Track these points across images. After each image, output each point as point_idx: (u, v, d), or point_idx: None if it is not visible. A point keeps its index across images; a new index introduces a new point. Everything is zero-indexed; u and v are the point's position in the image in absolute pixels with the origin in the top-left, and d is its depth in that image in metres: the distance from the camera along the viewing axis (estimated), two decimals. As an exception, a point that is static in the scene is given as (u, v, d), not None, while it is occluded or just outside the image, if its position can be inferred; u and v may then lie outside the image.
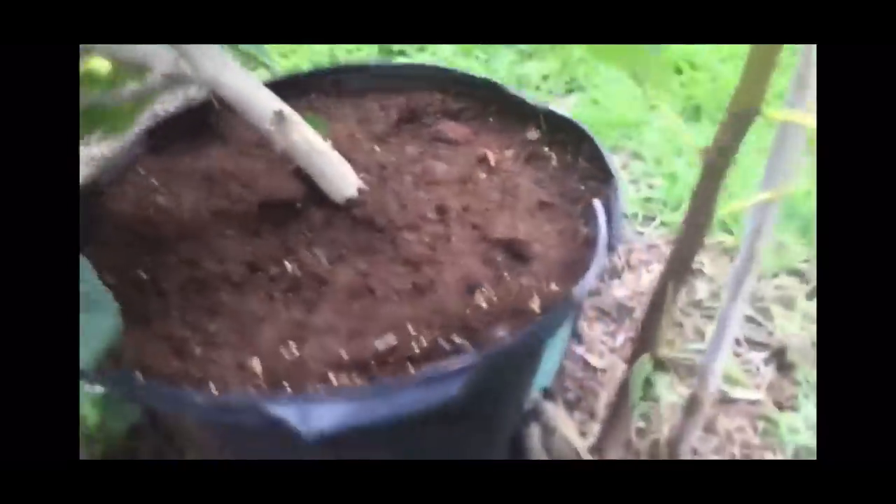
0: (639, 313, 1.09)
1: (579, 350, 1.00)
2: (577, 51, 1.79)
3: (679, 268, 0.64)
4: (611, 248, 0.60)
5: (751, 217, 0.62)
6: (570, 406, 0.93)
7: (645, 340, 0.69)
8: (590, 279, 0.56)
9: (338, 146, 0.77)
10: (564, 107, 1.68)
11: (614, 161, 0.67)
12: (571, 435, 0.75)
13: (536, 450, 0.76)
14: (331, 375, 0.55)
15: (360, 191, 0.70)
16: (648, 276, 1.20)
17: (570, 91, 1.78)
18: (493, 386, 0.55)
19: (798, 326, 1.09)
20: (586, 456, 0.76)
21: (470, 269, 0.64)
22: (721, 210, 0.60)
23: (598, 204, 0.64)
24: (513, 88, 0.81)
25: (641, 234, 1.31)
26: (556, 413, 0.75)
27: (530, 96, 0.79)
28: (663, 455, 0.91)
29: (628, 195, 1.40)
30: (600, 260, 0.58)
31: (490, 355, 0.51)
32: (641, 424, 0.93)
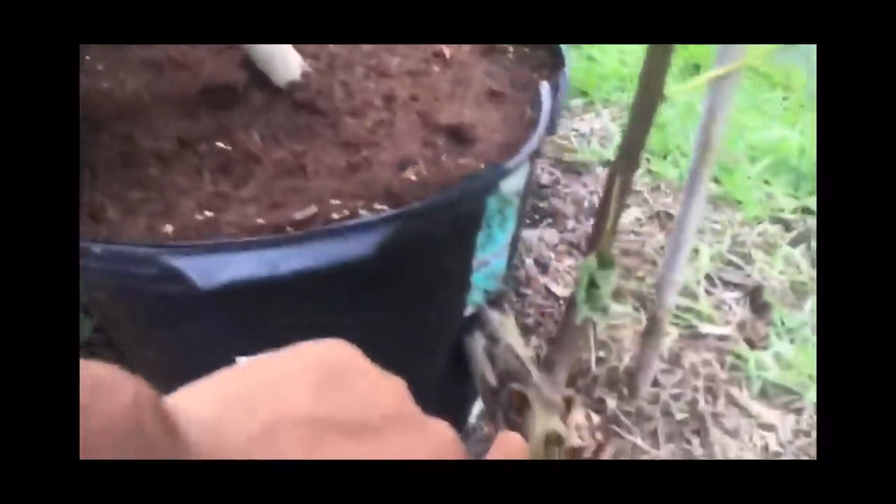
0: (610, 247, 1.05)
1: (543, 279, 0.97)
2: None
3: (627, 159, 0.60)
4: (550, 129, 0.57)
5: (705, 100, 0.58)
6: (529, 331, 0.90)
7: (593, 240, 0.65)
8: (522, 156, 0.53)
9: (289, 37, 0.75)
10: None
11: (563, 49, 0.64)
12: (517, 345, 0.72)
13: (479, 358, 0.72)
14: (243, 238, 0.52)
15: (304, 75, 0.67)
16: (626, 219, 1.16)
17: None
18: (415, 253, 0.52)
19: (777, 271, 1.05)
20: (532, 367, 0.72)
21: (408, 150, 0.61)
22: (671, 90, 0.56)
23: (544, 87, 0.60)
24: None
25: (626, 180, 1.27)
26: (502, 321, 0.71)
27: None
28: (622, 383, 0.88)
29: (614, 144, 1.37)
30: (537, 138, 0.55)
31: (403, 214, 0.48)
32: (602, 354, 0.90)
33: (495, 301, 0.72)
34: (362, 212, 0.53)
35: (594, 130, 1.40)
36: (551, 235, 1.07)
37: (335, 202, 0.56)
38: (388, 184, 0.55)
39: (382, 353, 0.49)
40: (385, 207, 0.53)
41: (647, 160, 1.31)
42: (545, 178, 1.24)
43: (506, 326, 0.72)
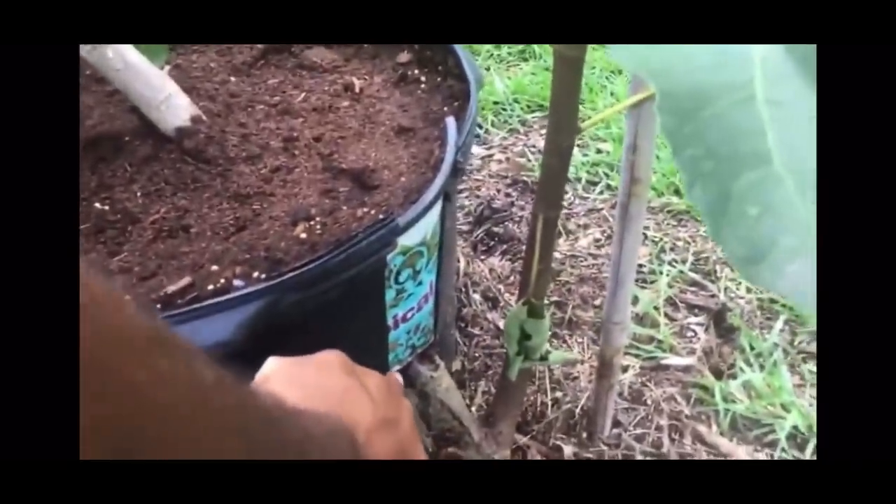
0: (564, 276, 0.99)
1: (491, 315, 0.90)
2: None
3: (548, 197, 0.54)
4: (457, 170, 0.50)
5: (626, 132, 0.52)
6: (477, 375, 0.83)
7: (522, 286, 0.59)
8: (420, 205, 0.47)
9: (185, 77, 0.68)
10: (519, 73, 1.59)
11: (474, 75, 0.57)
12: (452, 401, 0.65)
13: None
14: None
15: (194, 120, 0.60)
16: (586, 240, 1.10)
17: (524, 59, 1.68)
18: (301, 324, 0.45)
19: (744, 289, 0.99)
20: (471, 424, 0.66)
21: (305, 201, 0.54)
22: (586, 124, 0.50)
23: (450, 122, 0.54)
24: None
25: (585, 198, 1.21)
26: (433, 377, 0.65)
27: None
28: (580, 426, 0.81)
29: (576, 160, 1.31)
30: (438, 184, 0.48)
31: (276, 287, 0.41)
32: (558, 395, 0.83)
33: (424, 355, 0.65)
34: (237, 282, 0.46)
35: (552, 146, 1.34)
36: (503, 266, 1.00)
37: (214, 269, 0.49)
38: (271, 245, 0.49)
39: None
40: (263, 276, 0.46)
41: (606, 175, 1.25)
42: (500, 201, 1.18)
43: (437, 381, 0.65)
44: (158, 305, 0.46)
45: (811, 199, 0.24)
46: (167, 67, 0.64)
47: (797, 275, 0.22)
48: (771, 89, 0.29)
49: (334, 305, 0.48)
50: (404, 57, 0.67)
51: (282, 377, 0.38)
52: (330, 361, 0.41)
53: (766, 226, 0.23)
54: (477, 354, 0.85)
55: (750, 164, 0.25)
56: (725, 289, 0.99)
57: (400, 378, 0.48)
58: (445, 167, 0.50)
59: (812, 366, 0.88)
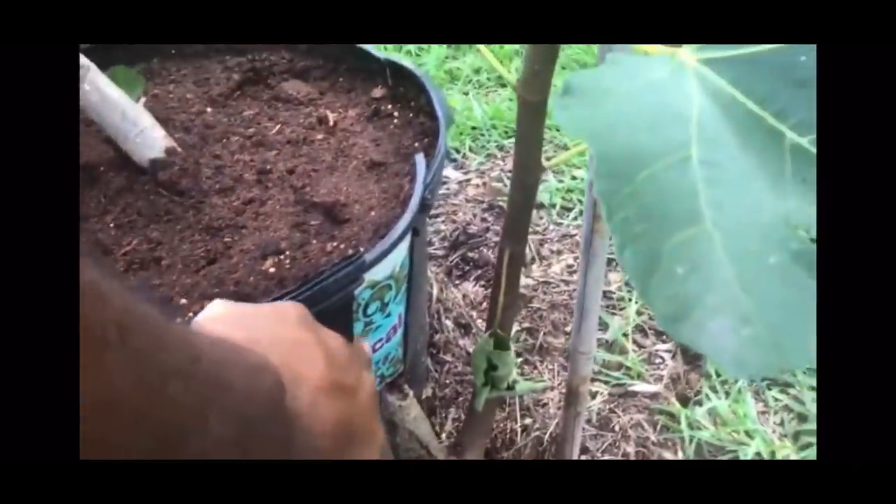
0: (536, 303, 1.00)
1: (463, 342, 0.91)
2: (508, 47, 1.73)
3: (514, 232, 0.55)
4: (424, 205, 0.52)
5: (589, 170, 0.54)
6: (448, 402, 0.85)
7: (489, 318, 0.60)
8: (388, 241, 0.48)
9: (161, 108, 0.69)
10: (497, 99, 1.62)
11: (444, 113, 0.59)
12: (420, 430, 0.66)
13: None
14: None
15: (168, 152, 0.61)
16: (559, 266, 1.12)
17: (502, 85, 1.71)
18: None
19: (712, 316, 1.01)
20: (440, 455, 0.67)
21: (275, 234, 0.55)
22: (550, 163, 0.52)
23: (419, 159, 0.55)
24: (368, 46, 0.72)
25: (559, 224, 1.23)
26: (401, 406, 0.66)
27: (380, 52, 0.71)
28: (549, 455, 0.82)
29: (551, 186, 1.33)
30: (406, 220, 0.50)
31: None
32: (527, 421, 0.85)
33: (393, 385, 0.66)
34: (206, 316, 0.47)
35: (528, 171, 1.36)
36: (476, 292, 1.02)
37: (183, 302, 0.50)
38: (240, 280, 0.50)
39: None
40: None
41: (580, 202, 1.27)
42: (475, 226, 1.20)
43: (406, 411, 0.66)
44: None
45: (736, 258, 0.26)
46: (143, 99, 0.65)
47: (718, 333, 0.23)
48: (706, 150, 0.30)
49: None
50: (378, 92, 0.69)
51: (229, 319, 0.35)
52: (286, 312, 0.37)
53: (692, 284, 0.24)
54: (448, 381, 0.86)
55: (681, 224, 0.26)
56: (693, 316, 1.01)
57: (368, 348, 0.44)
58: (414, 203, 0.52)
59: (776, 393, 0.90)
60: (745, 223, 0.28)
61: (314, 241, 0.54)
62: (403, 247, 0.54)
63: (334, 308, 0.49)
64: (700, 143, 0.31)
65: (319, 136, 0.66)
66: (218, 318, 0.36)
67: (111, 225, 0.58)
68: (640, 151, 0.29)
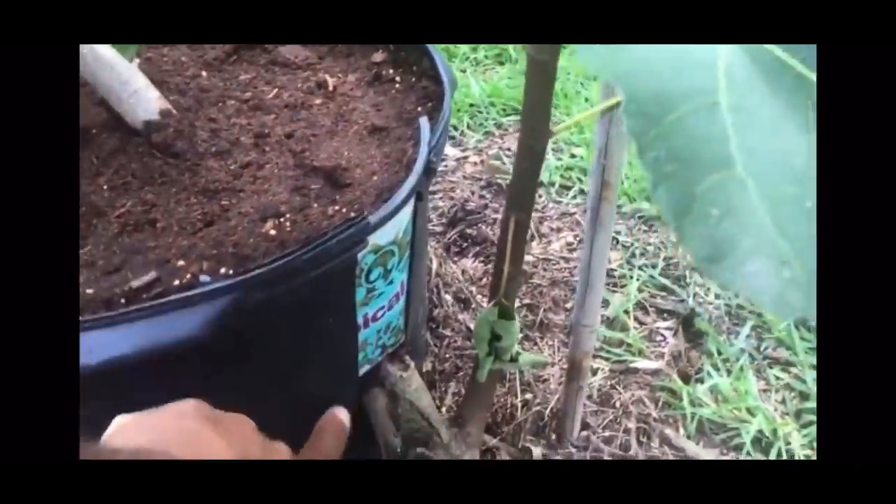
0: (536, 279, 0.99)
1: (463, 316, 0.90)
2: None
3: (520, 200, 0.54)
4: (429, 170, 0.50)
5: (596, 136, 0.52)
6: (448, 376, 0.83)
7: (493, 288, 0.59)
8: (392, 204, 0.47)
9: (155, 71, 0.67)
10: (496, 77, 1.60)
11: (448, 77, 0.57)
12: (421, 401, 0.65)
13: (381, 420, 0.65)
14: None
15: (163, 114, 0.59)
16: (558, 243, 1.11)
17: (500, 63, 1.69)
18: (269, 323, 0.45)
19: (713, 295, 1.01)
20: (440, 426, 0.65)
21: (274, 197, 0.53)
22: (558, 128, 0.50)
23: (423, 122, 0.54)
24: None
25: (558, 202, 1.22)
26: (402, 377, 0.64)
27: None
28: (549, 428, 0.82)
29: (550, 164, 1.31)
30: (411, 183, 0.48)
31: (242, 283, 0.41)
32: (528, 396, 0.84)
33: (394, 355, 0.65)
34: (203, 278, 0.45)
35: (527, 149, 1.35)
36: (475, 267, 1.01)
37: (180, 264, 0.48)
38: (239, 241, 0.48)
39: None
40: (231, 272, 0.45)
41: (580, 180, 1.26)
42: (474, 203, 1.18)
43: (407, 382, 0.65)
44: (123, 300, 0.45)
45: (770, 203, 0.25)
46: (137, 60, 0.63)
47: (754, 275, 0.22)
48: (735, 96, 0.29)
49: (303, 304, 0.48)
50: (379, 56, 0.67)
51: (130, 429, 0.39)
52: (184, 409, 0.41)
53: (726, 227, 0.23)
54: (448, 356, 0.85)
55: (712, 168, 0.25)
56: (694, 294, 1.00)
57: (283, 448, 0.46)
58: (418, 166, 0.50)
59: (777, 371, 0.90)
60: (778, 168, 0.26)
61: (315, 205, 0.53)
62: (407, 211, 0.52)
63: (337, 272, 0.47)
64: (728, 89, 0.29)
65: (318, 101, 0.65)
66: (120, 430, 0.39)
67: (104, 187, 0.56)
68: (667, 95, 0.28)
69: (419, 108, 0.60)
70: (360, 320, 0.56)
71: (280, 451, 0.45)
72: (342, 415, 0.55)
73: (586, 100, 1.45)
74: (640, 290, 0.99)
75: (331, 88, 0.65)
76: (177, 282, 0.46)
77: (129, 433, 0.38)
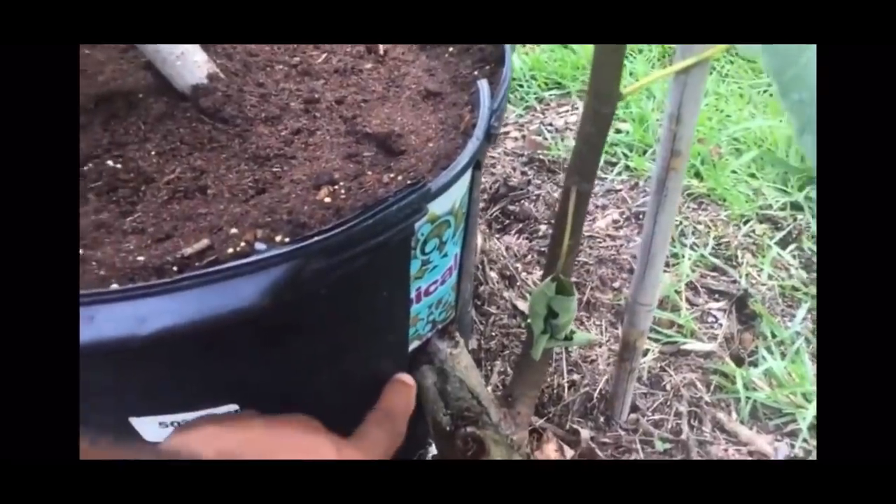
0: (582, 257, 0.96)
1: (509, 294, 0.87)
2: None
3: (582, 168, 0.51)
4: (490, 135, 0.47)
5: (668, 98, 0.49)
6: (493, 355, 0.81)
7: (550, 262, 0.56)
8: (451, 171, 0.44)
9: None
10: (537, 49, 1.55)
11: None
12: (471, 379, 0.63)
13: (429, 397, 0.63)
14: (113, 283, 0.42)
15: (211, 78, 0.57)
16: (604, 221, 1.07)
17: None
18: (325, 294, 0.43)
19: (766, 276, 0.97)
20: (489, 404, 0.63)
21: (327, 164, 0.51)
22: (628, 89, 0.47)
23: (483, 86, 0.51)
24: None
25: (603, 179, 1.18)
26: (451, 354, 0.62)
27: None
28: (598, 410, 0.79)
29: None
30: (471, 149, 0.46)
31: (300, 251, 0.39)
32: (575, 377, 0.81)
33: (444, 331, 0.63)
34: (259, 245, 0.43)
35: (570, 125, 1.31)
36: (520, 244, 0.98)
37: (233, 231, 0.46)
38: (293, 209, 0.46)
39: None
40: (287, 240, 0.43)
41: (625, 156, 1.22)
42: (516, 179, 1.15)
43: (457, 359, 0.63)
44: (175, 268, 0.44)
45: None
46: (183, 23, 0.61)
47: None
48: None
49: (359, 275, 0.46)
50: (432, 19, 0.64)
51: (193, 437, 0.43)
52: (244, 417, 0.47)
53: None
54: (493, 333, 0.83)
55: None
56: (747, 275, 0.96)
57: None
58: (479, 132, 0.48)
59: (835, 355, 0.86)
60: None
61: (369, 173, 0.50)
62: (465, 179, 0.50)
63: (394, 242, 0.45)
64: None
65: (368, 66, 0.62)
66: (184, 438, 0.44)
67: (152, 153, 0.54)
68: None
69: (475, 72, 0.57)
70: (412, 294, 0.54)
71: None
72: (407, 378, 0.57)
73: (631, 74, 1.40)
74: (691, 270, 0.96)
75: (381, 52, 0.63)
76: (230, 249, 0.44)
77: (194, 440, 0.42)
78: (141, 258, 0.45)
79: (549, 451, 0.75)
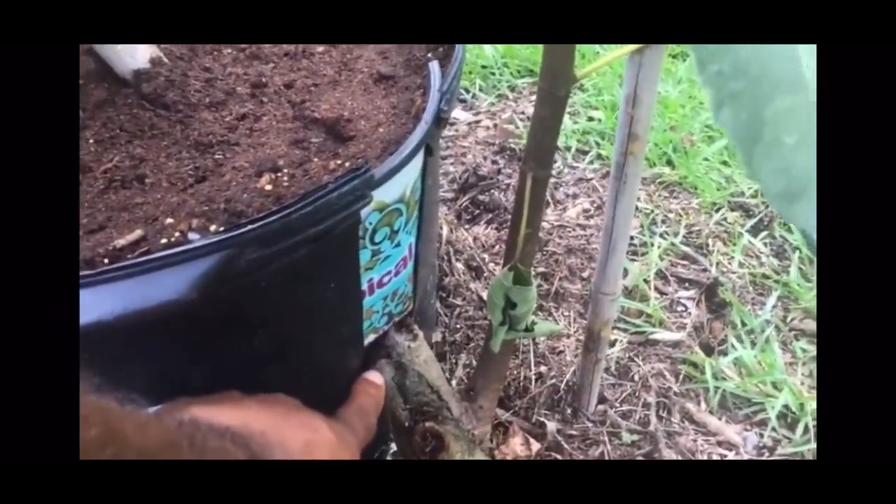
0: (551, 247, 0.95)
1: (474, 285, 0.86)
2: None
3: (538, 155, 0.49)
4: (440, 119, 0.46)
5: (625, 81, 0.47)
6: (459, 348, 0.80)
7: (508, 251, 0.55)
8: (398, 157, 0.42)
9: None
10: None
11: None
12: (430, 373, 0.61)
13: (389, 393, 0.62)
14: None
15: (154, 63, 0.55)
16: (574, 210, 1.06)
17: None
18: (263, 287, 0.41)
19: (737, 264, 0.96)
20: (450, 398, 0.62)
21: (272, 151, 0.49)
22: (582, 71, 0.46)
23: (434, 67, 0.49)
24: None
25: (574, 168, 1.17)
26: (410, 347, 0.61)
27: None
28: (564, 402, 0.78)
29: (566, 128, 1.26)
30: (419, 134, 0.44)
31: (227, 241, 0.37)
32: (542, 369, 0.80)
33: (402, 324, 0.61)
34: (192, 235, 0.41)
35: (542, 114, 1.29)
36: (488, 234, 0.96)
37: (168, 221, 0.44)
38: (232, 197, 0.44)
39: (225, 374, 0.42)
40: (221, 228, 0.41)
41: (598, 144, 1.21)
42: (486, 168, 1.13)
43: (415, 352, 0.61)
44: (106, 260, 0.41)
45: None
46: (126, 5, 0.58)
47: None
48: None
49: (302, 266, 0.44)
50: (386, 1, 0.62)
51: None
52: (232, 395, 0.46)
53: (803, 157, 0.19)
54: (458, 326, 0.81)
55: (783, 89, 0.21)
56: (717, 263, 0.96)
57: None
58: (428, 115, 0.46)
59: (804, 343, 0.85)
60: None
61: (315, 159, 0.48)
62: (416, 165, 0.48)
63: (338, 231, 0.43)
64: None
65: (320, 49, 0.60)
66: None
67: (90, 141, 0.52)
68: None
69: (429, 54, 0.55)
70: (364, 286, 0.52)
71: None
72: (375, 377, 0.57)
73: (597, 54, 1.39)
74: (660, 259, 0.95)
75: (334, 37, 0.60)
76: (164, 240, 0.42)
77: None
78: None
79: (515, 445, 0.73)
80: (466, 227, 1.00)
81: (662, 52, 0.46)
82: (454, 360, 0.78)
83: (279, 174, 0.47)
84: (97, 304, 0.37)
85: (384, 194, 0.46)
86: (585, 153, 1.19)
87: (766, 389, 0.80)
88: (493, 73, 1.38)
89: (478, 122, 1.28)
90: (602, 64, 0.46)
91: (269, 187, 0.45)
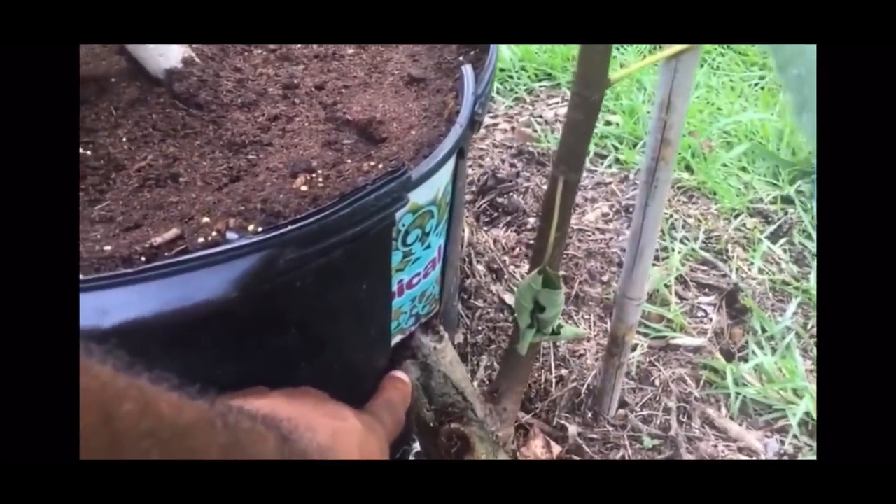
0: (571, 251, 0.95)
1: (495, 287, 0.86)
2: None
3: (569, 158, 0.49)
4: (474, 122, 0.46)
5: (658, 86, 0.47)
6: (480, 349, 0.80)
7: (537, 254, 0.55)
8: (434, 159, 0.42)
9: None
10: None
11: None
12: (455, 374, 0.61)
13: (414, 393, 0.62)
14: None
15: (186, 62, 0.55)
16: (593, 214, 1.06)
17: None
18: (298, 287, 0.41)
19: (757, 270, 0.96)
20: (474, 400, 0.62)
21: (305, 152, 0.49)
22: (616, 76, 0.46)
23: (467, 70, 0.49)
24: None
25: (593, 172, 1.17)
26: (435, 348, 0.61)
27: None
28: (585, 406, 0.78)
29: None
30: (454, 136, 0.44)
31: (272, 241, 0.37)
32: (563, 372, 0.80)
33: (428, 325, 0.61)
34: (230, 234, 0.41)
35: (560, 117, 1.29)
36: (508, 237, 0.96)
37: (205, 220, 0.44)
38: (268, 197, 0.44)
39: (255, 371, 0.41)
40: (260, 229, 0.42)
41: (616, 148, 1.20)
42: (504, 171, 1.13)
43: (441, 354, 0.61)
44: (143, 258, 0.42)
45: None
46: (158, 5, 0.59)
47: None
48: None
49: (337, 266, 0.44)
50: (416, 4, 0.62)
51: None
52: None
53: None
54: (480, 328, 0.81)
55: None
56: (737, 269, 0.95)
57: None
58: (462, 119, 0.46)
59: (825, 350, 0.85)
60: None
61: (349, 161, 0.49)
62: (449, 168, 0.48)
63: (373, 232, 0.43)
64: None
65: (350, 51, 0.60)
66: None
67: (123, 139, 0.52)
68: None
69: (460, 58, 0.56)
70: (394, 287, 0.52)
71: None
72: (403, 374, 0.58)
73: (622, 66, 1.39)
74: (682, 264, 0.94)
75: (364, 38, 0.60)
76: (201, 239, 0.42)
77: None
78: (108, 248, 0.43)
79: (536, 448, 0.73)
80: (486, 229, 1.00)
81: (697, 59, 0.46)
82: (476, 362, 0.78)
83: (314, 175, 0.47)
84: (137, 302, 0.37)
85: (418, 196, 0.46)
86: (604, 157, 1.19)
87: (786, 396, 0.80)
88: (511, 77, 1.38)
89: (495, 125, 1.28)
90: (637, 68, 0.46)
91: (304, 188, 0.45)
